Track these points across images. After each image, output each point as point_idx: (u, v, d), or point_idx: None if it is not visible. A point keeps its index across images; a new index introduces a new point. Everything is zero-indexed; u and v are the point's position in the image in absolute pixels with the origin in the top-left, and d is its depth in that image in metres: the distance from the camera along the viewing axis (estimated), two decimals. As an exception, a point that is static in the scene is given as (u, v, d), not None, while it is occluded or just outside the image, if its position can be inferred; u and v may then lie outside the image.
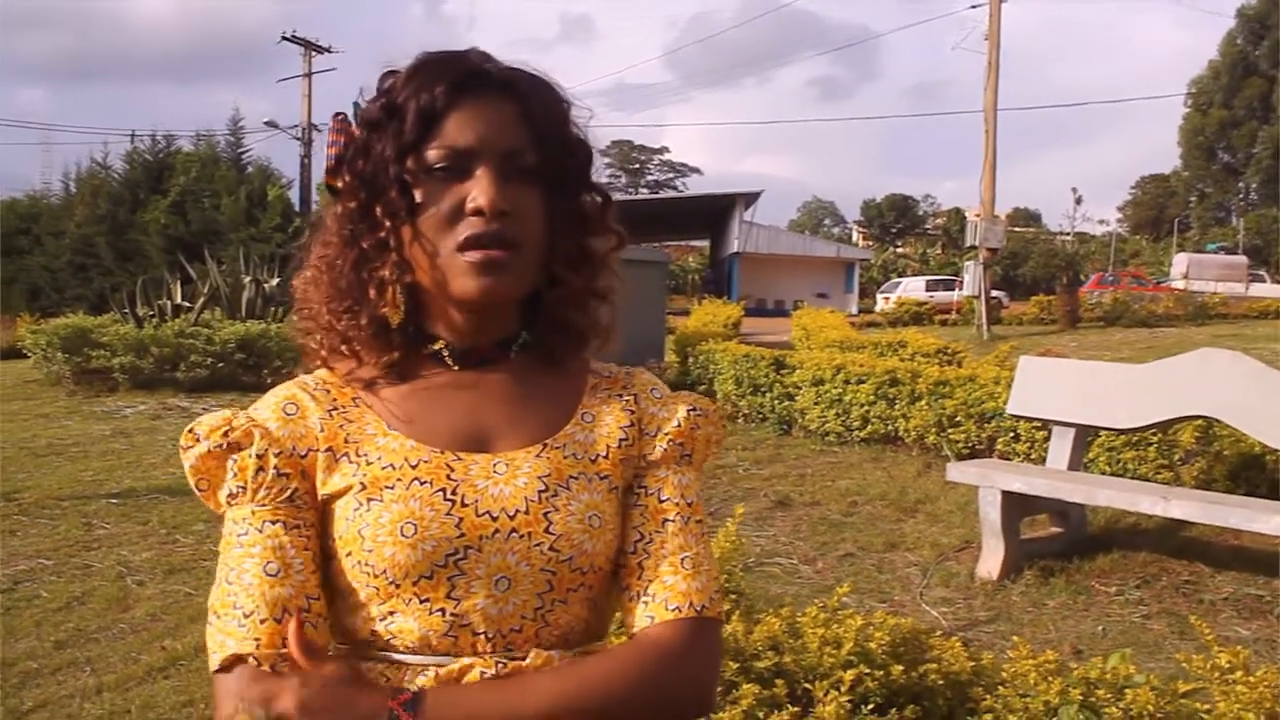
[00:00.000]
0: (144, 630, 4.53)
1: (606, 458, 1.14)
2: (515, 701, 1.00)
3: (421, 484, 1.06)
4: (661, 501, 1.15)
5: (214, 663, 1.01)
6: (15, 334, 17.41)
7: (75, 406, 11.52)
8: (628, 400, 1.19)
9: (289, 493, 1.07)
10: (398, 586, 1.04)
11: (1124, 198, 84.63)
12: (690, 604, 1.09)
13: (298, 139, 34.89)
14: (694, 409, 1.21)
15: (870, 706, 2.74)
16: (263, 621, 1.00)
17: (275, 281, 16.10)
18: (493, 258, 1.06)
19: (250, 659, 0.99)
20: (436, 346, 1.14)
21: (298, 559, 1.05)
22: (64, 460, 8.46)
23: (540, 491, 1.08)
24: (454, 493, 1.06)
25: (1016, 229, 60.65)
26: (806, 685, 2.80)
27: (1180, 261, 41.22)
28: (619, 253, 1.21)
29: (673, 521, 1.14)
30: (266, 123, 34.78)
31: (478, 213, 1.05)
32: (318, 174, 34.26)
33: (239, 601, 1.02)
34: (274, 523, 1.05)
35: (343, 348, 1.14)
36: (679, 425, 1.19)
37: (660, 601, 1.09)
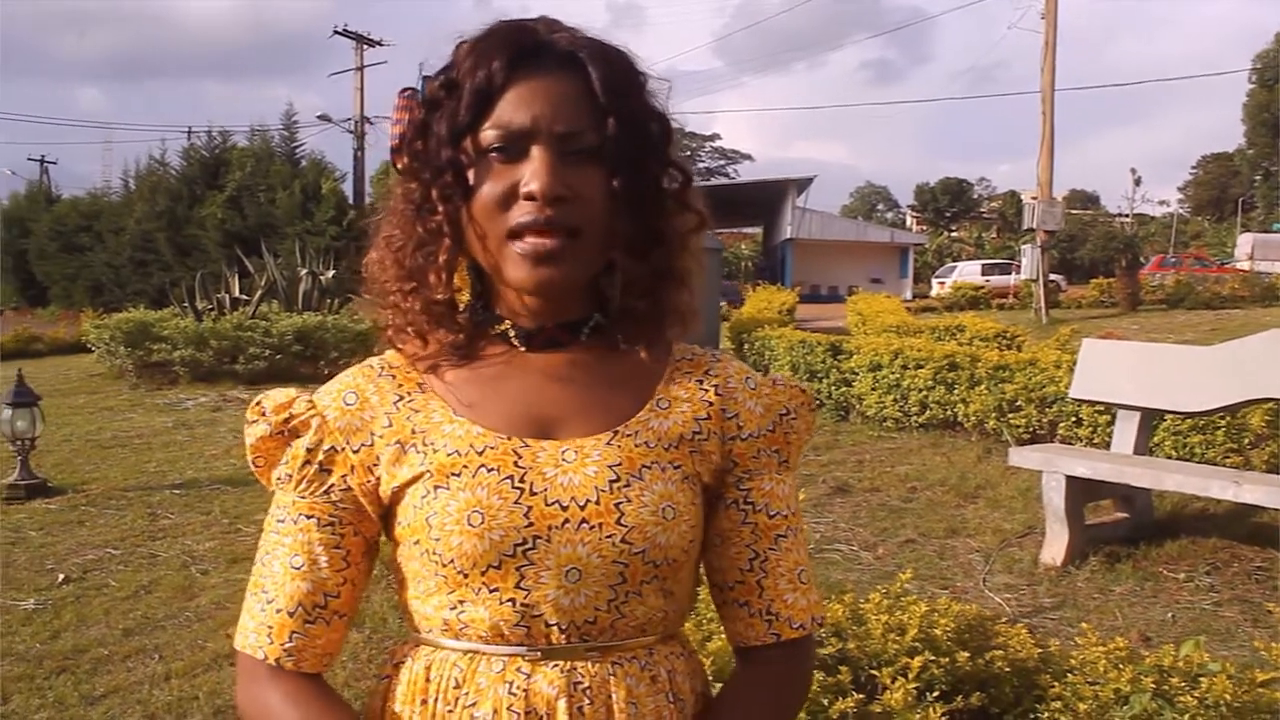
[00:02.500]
0: (209, 618, 4.59)
1: (679, 447, 1.09)
2: None
3: (489, 471, 1.03)
4: (771, 517, 1.14)
5: (237, 638, 1.09)
6: (79, 329, 17.74)
7: (138, 399, 11.72)
8: (708, 389, 1.14)
9: (327, 487, 1.08)
10: (466, 576, 1.02)
11: (1185, 178, 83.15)
12: (812, 619, 1.15)
13: (350, 132, 35.20)
14: (787, 412, 1.16)
15: (935, 694, 2.70)
16: (278, 611, 1.07)
17: (331, 274, 16.24)
18: (544, 247, 1.01)
19: (260, 654, 1.07)
20: (503, 327, 1.11)
21: (323, 556, 1.07)
22: (128, 452, 8.62)
23: (611, 481, 1.04)
24: (522, 480, 1.03)
25: (1073, 211, 59.81)
26: (872, 672, 2.77)
27: (1245, 242, 40.36)
28: (700, 234, 1.15)
29: (785, 537, 1.15)
30: (319, 117, 35.07)
31: (530, 198, 1.01)
32: (371, 167, 34.58)
33: (266, 586, 1.08)
34: (309, 517, 1.08)
35: (409, 328, 1.11)
36: (774, 430, 1.15)
37: (785, 620, 1.13)
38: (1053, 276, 24.94)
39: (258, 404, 1.12)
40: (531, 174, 1.01)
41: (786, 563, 1.13)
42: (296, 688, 1.06)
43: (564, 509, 1.02)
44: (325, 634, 1.07)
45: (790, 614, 1.13)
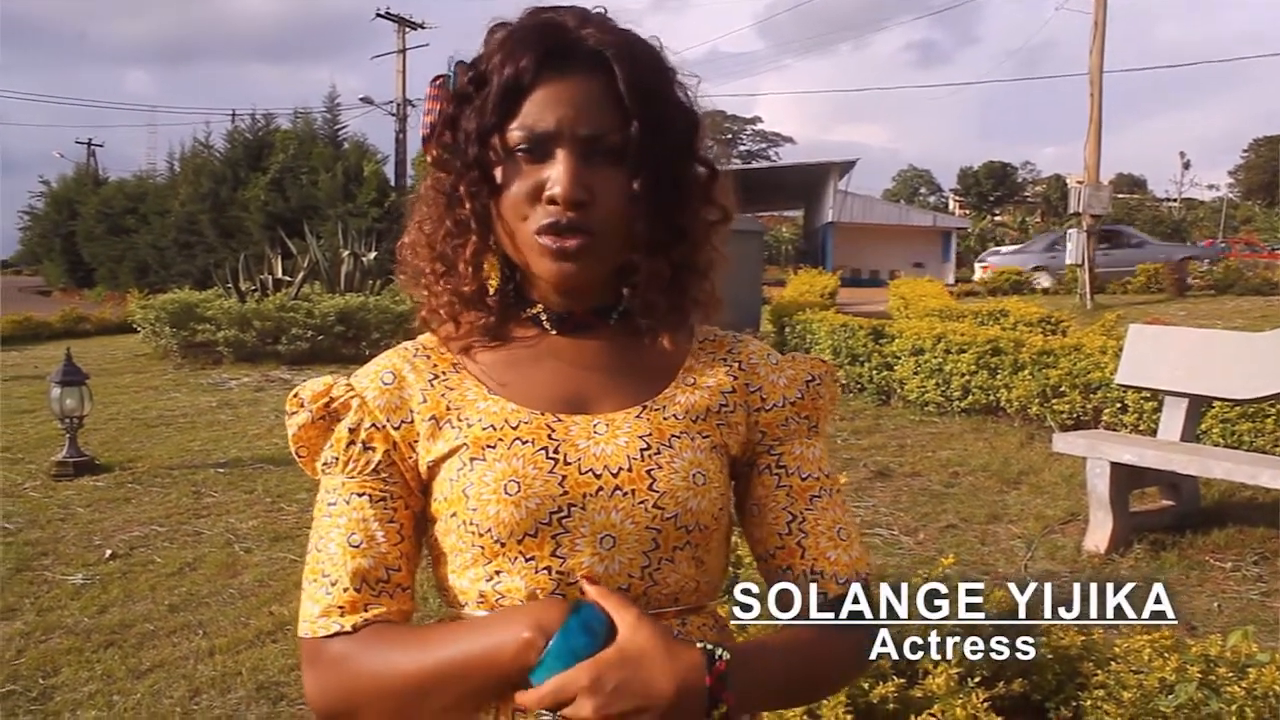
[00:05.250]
0: (252, 595, 4.65)
1: (706, 419, 1.13)
2: (780, 669, 1.05)
3: (523, 443, 1.06)
4: (804, 479, 1.16)
5: (301, 628, 1.05)
6: (125, 309, 17.97)
7: (182, 379, 11.87)
8: (732, 365, 1.17)
9: (374, 465, 1.09)
10: (503, 545, 1.04)
11: (1236, 161, 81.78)
12: (856, 573, 1.14)
13: (392, 115, 35.33)
14: (812, 379, 1.19)
15: (977, 680, 2.68)
16: (344, 590, 1.05)
17: (373, 255, 16.32)
18: (566, 247, 1.05)
19: (334, 629, 1.03)
20: (534, 311, 1.14)
21: (380, 531, 1.08)
22: (173, 431, 8.74)
23: (643, 450, 1.07)
24: (556, 451, 1.06)
25: (1120, 195, 58.97)
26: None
27: (1295, 227, 39.64)
28: (724, 227, 1.17)
29: (819, 497, 1.16)
30: (362, 99, 35.19)
31: (553, 201, 1.04)
32: (412, 149, 34.69)
33: (326, 570, 1.06)
34: (360, 495, 1.09)
35: (441, 311, 1.14)
36: (802, 397, 1.18)
37: (830, 578, 1.12)
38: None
39: (295, 395, 1.13)
40: (554, 178, 1.04)
41: (824, 521, 1.15)
42: (376, 630, 1.03)
43: (597, 477, 1.05)
44: (394, 606, 1.06)
45: (835, 570, 1.13)
